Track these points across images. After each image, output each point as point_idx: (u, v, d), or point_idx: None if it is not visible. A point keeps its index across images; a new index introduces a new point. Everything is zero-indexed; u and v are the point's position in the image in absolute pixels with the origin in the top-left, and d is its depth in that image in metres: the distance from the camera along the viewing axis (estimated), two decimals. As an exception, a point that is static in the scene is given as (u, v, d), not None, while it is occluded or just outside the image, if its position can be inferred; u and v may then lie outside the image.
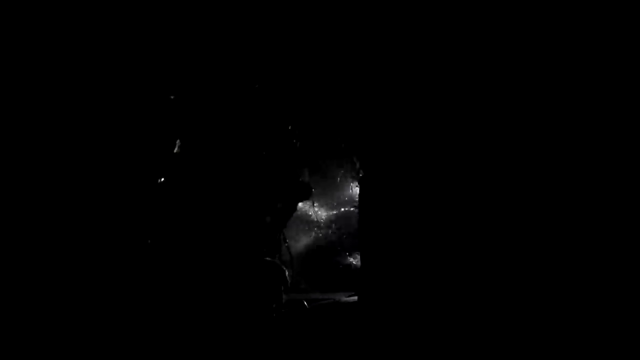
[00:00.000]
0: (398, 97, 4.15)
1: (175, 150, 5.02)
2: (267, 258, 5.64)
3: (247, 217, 5.52)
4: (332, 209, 7.30)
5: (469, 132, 3.85)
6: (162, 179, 4.89)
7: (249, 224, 5.54)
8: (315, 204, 6.59)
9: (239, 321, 4.71)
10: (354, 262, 6.20)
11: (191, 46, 4.75)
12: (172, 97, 4.83)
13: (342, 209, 7.24)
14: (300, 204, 6.01)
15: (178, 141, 5.01)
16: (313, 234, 6.67)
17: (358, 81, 4.46)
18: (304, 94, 5.35)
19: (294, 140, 5.49)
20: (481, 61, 3.81)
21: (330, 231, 6.97)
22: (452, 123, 3.91)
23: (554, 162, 3.57)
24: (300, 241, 6.39)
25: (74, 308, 4.18)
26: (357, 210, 6.78)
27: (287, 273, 5.65)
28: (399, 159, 4.21)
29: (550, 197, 3.56)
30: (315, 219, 6.77)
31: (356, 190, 6.97)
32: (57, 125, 4.26)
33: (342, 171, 6.82)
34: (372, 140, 4.38)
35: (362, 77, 4.40)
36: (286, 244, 5.64)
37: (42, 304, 4.11)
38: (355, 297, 5.17)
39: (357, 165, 5.30)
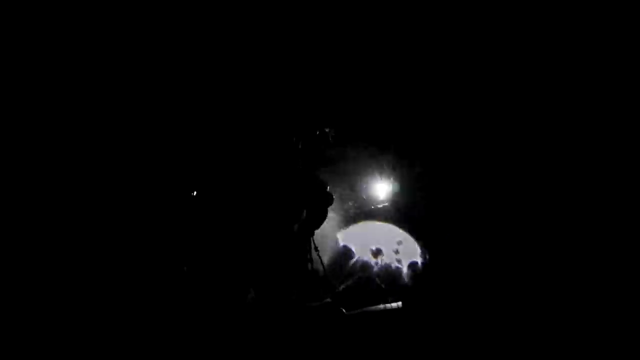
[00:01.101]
0: None
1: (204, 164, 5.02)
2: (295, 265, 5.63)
3: (275, 225, 5.51)
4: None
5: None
6: (195, 193, 4.88)
7: (277, 232, 5.53)
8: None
9: (271, 329, 4.67)
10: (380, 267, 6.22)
11: (222, 63, 4.81)
12: (203, 111, 4.86)
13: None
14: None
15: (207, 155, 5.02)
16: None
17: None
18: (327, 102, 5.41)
19: (322, 146, 5.52)
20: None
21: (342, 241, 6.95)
22: None
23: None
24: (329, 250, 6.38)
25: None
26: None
27: (317, 279, 5.64)
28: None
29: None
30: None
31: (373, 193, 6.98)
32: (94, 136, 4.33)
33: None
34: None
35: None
36: (317, 252, 5.60)
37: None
38: (393, 305, 5.17)
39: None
